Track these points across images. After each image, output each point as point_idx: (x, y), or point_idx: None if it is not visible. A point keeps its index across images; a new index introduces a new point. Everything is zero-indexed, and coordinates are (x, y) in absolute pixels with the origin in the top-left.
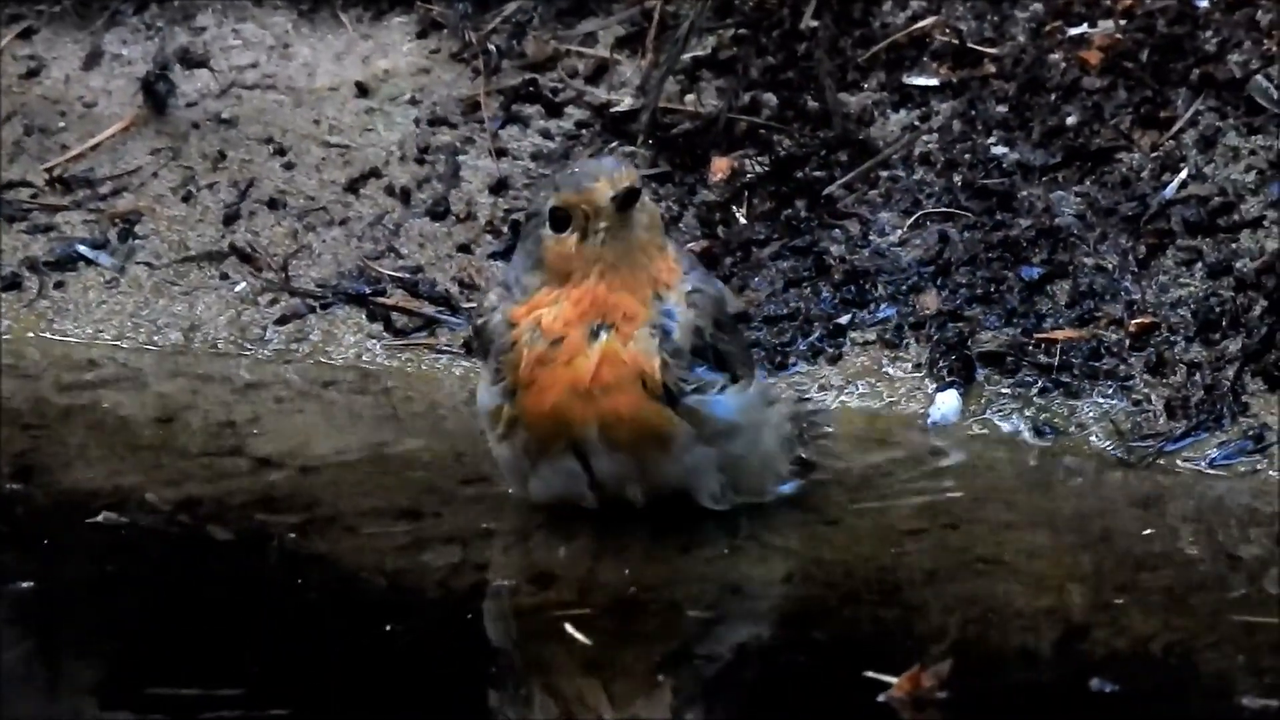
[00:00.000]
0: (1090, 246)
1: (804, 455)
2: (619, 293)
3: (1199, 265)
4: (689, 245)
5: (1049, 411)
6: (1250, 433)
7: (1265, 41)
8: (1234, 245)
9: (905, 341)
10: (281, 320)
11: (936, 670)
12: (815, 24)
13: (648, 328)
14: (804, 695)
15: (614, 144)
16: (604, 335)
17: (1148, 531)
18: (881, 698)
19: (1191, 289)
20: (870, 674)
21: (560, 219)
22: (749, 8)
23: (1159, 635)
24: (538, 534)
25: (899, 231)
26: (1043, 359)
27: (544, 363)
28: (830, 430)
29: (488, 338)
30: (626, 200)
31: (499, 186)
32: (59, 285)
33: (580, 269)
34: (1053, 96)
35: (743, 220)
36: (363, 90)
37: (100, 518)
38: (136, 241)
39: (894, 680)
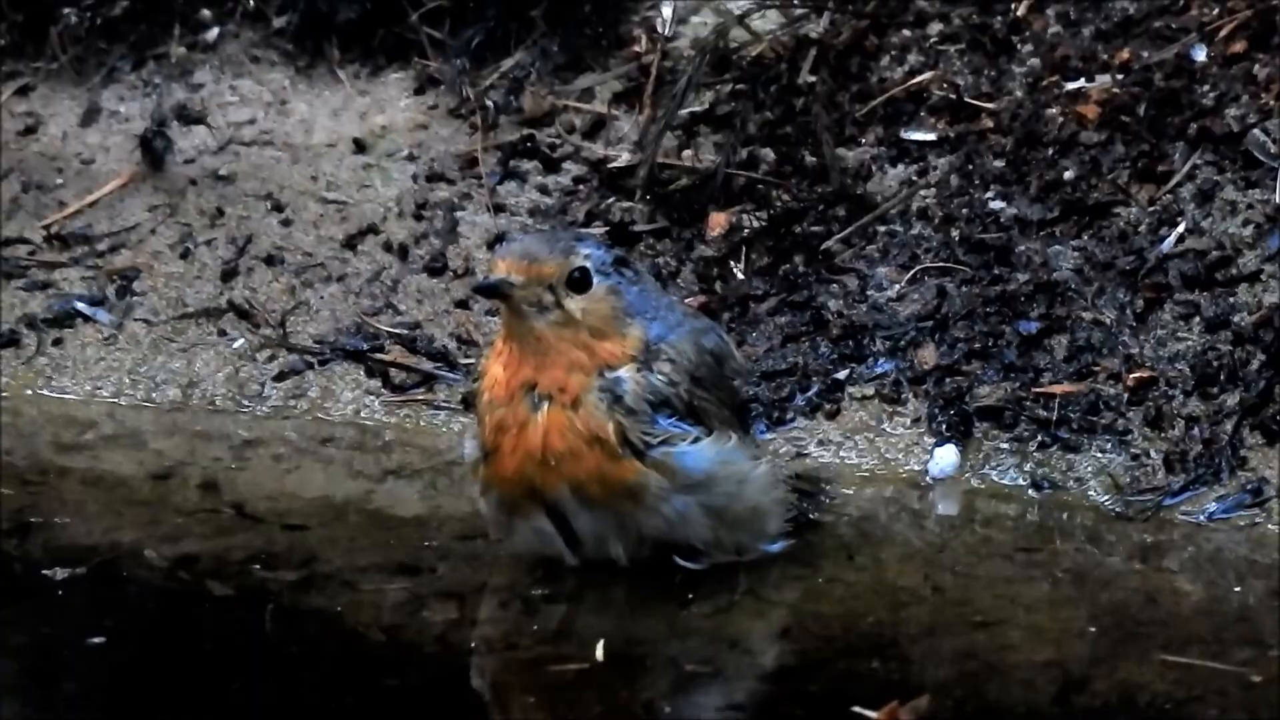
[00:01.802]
0: (1088, 300)
1: (803, 513)
2: (541, 369)
3: (1197, 319)
4: (687, 299)
5: (1047, 465)
6: (1249, 486)
7: (1262, 95)
8: (1231, 299)
9: (903, 396)
10: (279, 377)
11: (914, 705)
12: (813, 79)
13: (594, 394)
14: None
15: (610, 200)
16: (545, 405)
17: (1146, 585)
18: None
19: (1189, 343)
20: (857, 709)
21: None
22: (746, 63)
23: (1157, 688)
24: (534, 588)
25: (897, 286)
26: (1041, 413)
27: (502, 429)
28: (829, 487)
29: (471, 393)
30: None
31: (496, 242)
32: (57, 342)
33: (504, 331)
34: (1050, 151)
35: (740, 275)
36: (360, 146)
37: (53, 573)
38: (134, 298)
39: (875, 715)
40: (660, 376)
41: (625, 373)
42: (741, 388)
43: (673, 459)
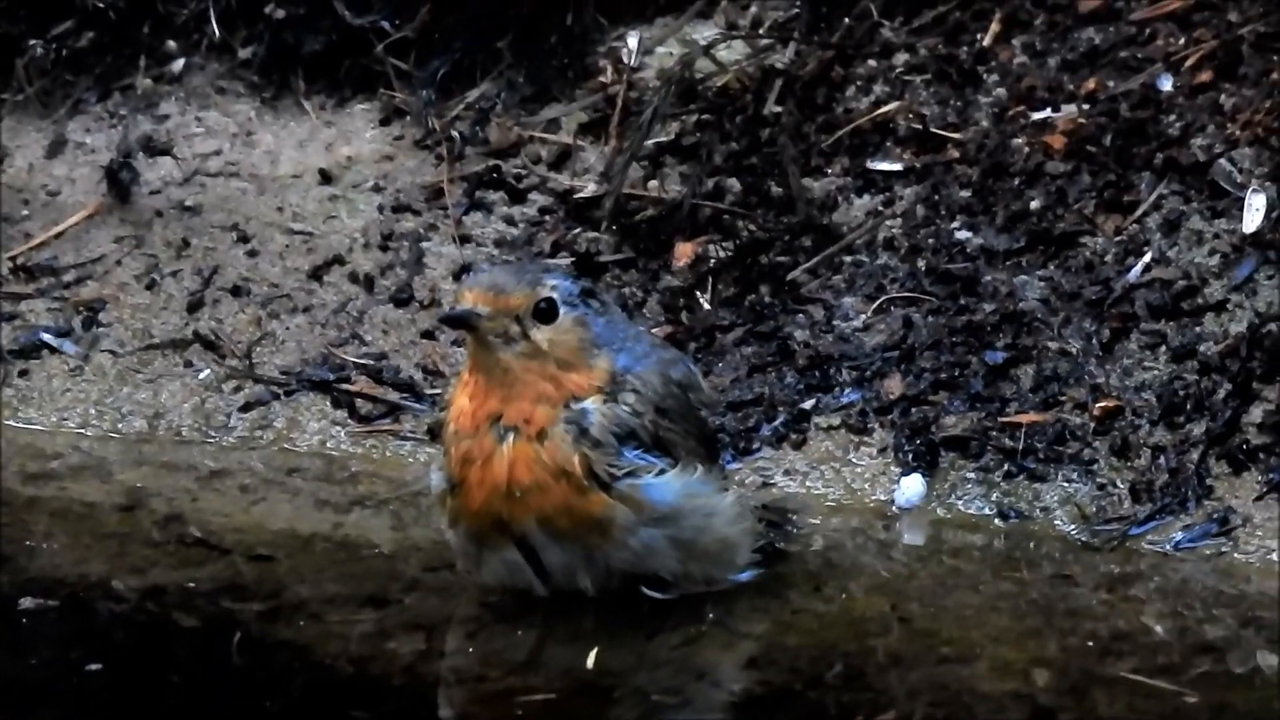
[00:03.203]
0: (1054, 330)
1: (771, 543)
2: (507, 401)
3: (1163, 349)
4: (654, 330)
5: (1013, 495)
6: (1215, 516)
7: (1229, 125)
8: (1198, 329)
9: (870, 426)
10: (246, 407)
11: None
12: (779, 109)
13: (560, 426)
14: None
15: (577, 230)
16: (510, 437)
17: (1113, 615)
18: None
19: (1155, 373)
20: None
21: None
22: (712, 94)
23: (1125, 718)
24: (501, 620)
25: (863, 316)
26: (1007, 443)
27: (469, 461)
28: (796, 518)
29: (438, 423)
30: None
31: (462, 273)
32: (23, 373)
33: (470, 362)
34: (1016, 181)
35: (706, 306)
36: (326, 177)
37: (21, 603)
38: (100, 329)
39: None
40: (626, 408)
41: (591, 404)
42: (709, 418)
43: (639, 492)
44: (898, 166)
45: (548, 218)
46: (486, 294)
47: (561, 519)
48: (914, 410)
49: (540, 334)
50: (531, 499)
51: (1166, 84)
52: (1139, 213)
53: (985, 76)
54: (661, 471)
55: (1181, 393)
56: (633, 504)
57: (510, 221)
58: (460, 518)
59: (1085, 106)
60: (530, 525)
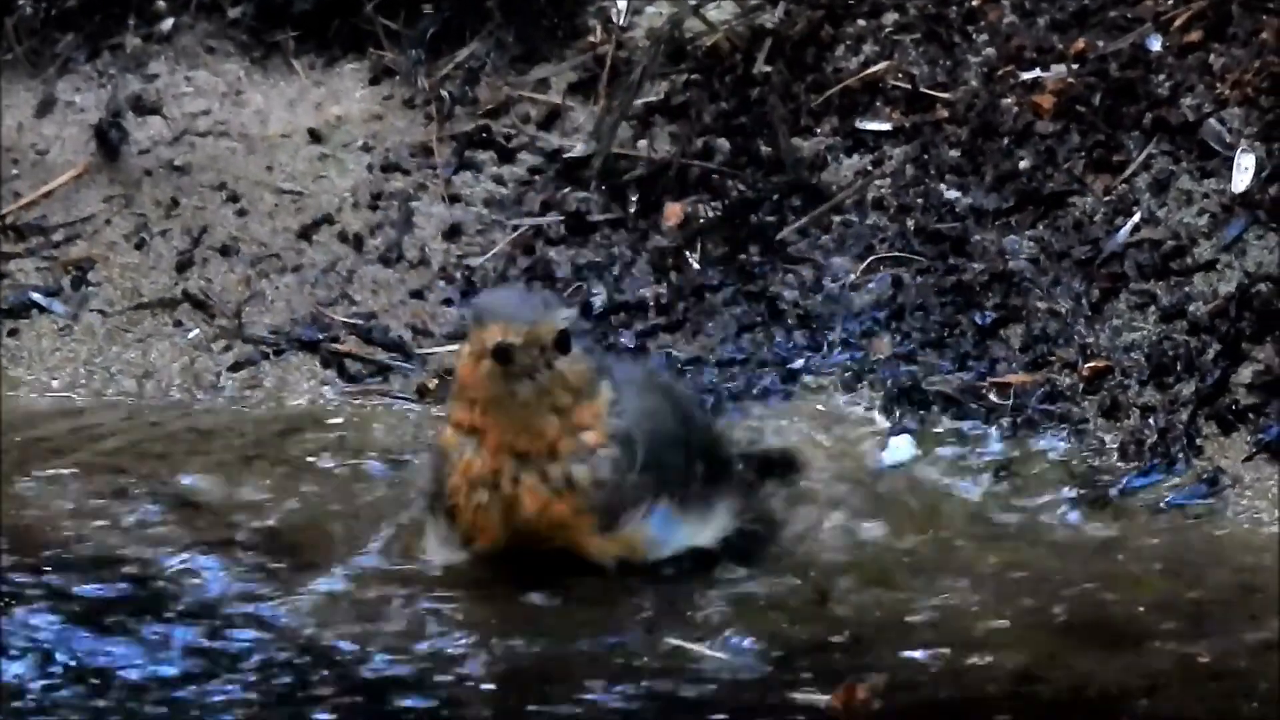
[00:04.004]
0: (1043, 290)
1: (762, 501)
2: (520, 435)
3: (1152, 309)
4: (643, 290)
5: (1003, 455)
6: (1204, 476)
7: (1218, 85)
8: (1187, 289)
9: (859, 386)
10: (235, 367)
11: (872, 685)
12: (768, 69)
13: (573, 465)
14: None
15: (566, 190)
16: (524, 478)
17: (1102, 575)
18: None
19: (1145, 332)
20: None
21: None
22: (701, 53)
23: (1115, 678)
24: (493, 586)
25: (852, 276)
26: (997, 402)
27: (476, 497)
28: (799, 462)
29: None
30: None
31: (452, 233)
32: (12, 333)
33: (476, 397)
34: (1005, 141)
35: (696, 265)
36: (315, 137)
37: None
38: (90, 289)
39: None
40: (623, 446)
41: (592, 438)
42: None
43: (644, 531)
44: (887, 126)
45: (537, 177)
46: (513, 326)
47: (573, 549)
48: (903, 370)
49: (563, 364)
50: (544, 530)
51: (1156, 44)
52: (1128, 173)
53: (974, 36)
54: (654, 508)
55: (1171, 353)
56: (636, 543)
57: (499, 181)
58: (472, 543)
59: (1074, 66)
60: (545, 545)
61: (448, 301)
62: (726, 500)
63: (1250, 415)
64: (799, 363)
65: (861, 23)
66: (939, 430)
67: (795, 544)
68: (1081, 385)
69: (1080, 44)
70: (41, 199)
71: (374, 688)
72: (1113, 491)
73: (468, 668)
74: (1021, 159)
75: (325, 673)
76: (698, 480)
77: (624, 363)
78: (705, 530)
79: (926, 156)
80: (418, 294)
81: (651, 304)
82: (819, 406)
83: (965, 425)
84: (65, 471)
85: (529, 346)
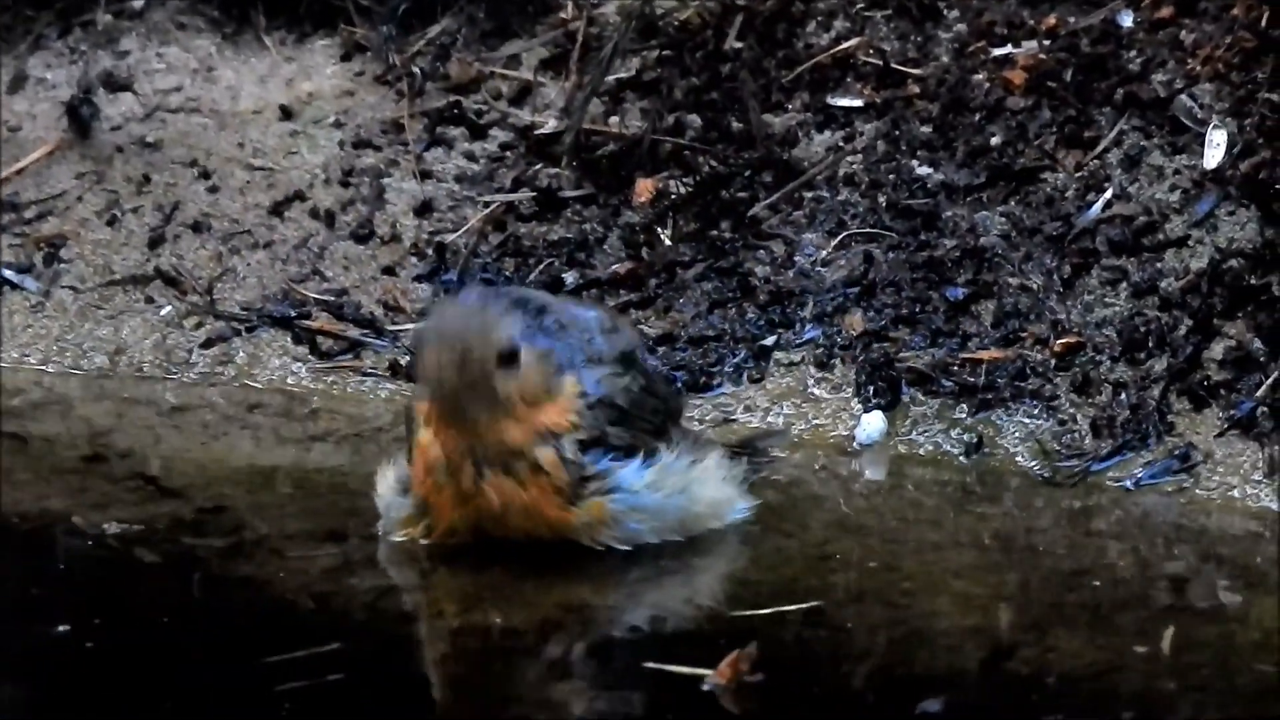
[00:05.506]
0: (1015, 267)
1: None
2: (479, 443)
3: (1124, 285)
4: (614, 266)
5: (975, 431)
6: (1176, 452)
7: (1189, 61)
8: (1159, 265)
9: (831, 362)
10: (207, 344)
11: (746, 654)
12: (739, 45)
13: (536, 449)
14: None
15: (537, 166)
16: (487, 473)
17: (1074, 551)
18: (706, 686)
19: (1116, 309)
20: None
21: None
22: (673, 29)
23: (1086, 654)
24: (462, 557)
25: (824, 252)
26: (968, 379)
27: (440, 490)
28: (780, 454)
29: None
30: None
31: (423, 209)
32: None
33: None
34: (977, 117)
35: (667, 241)
36: (286, 113)
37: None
38: (61, 265)
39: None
40: (594, 423)
41: (560, 424)
42: (666, 389)
43: (612, 500)
44: (858, 102)
45: (508, 153)
46: (451, 354)
47: (543, 531)
48: (875, 346)
49: (508, 384)
50: (513, 520)
51: (1127, 20)
52: (1100, 149)
53: (945, 12)
54: (633, 463)
55: (1142, 329)
56: (609, 511)
57: (471, 157)
58: (436, 534)
59: (1046, 42)
60: (513, 534)
61: (419, 278)
62: (701, 470)
63: (1222, 391)
64: (771, 339)
65: None
66: (911, 406)
67: (767, 520)
68: (1053, 361)
69: (1051, 20)
70: (13, 176)
71: (339, 655)
72: (1085, 468)
73: (427, 632)
74: (993, 135)
75: (289, 638)
76: (669, 446)
77: (603, 325)
78: (678, 499)
79: (898, 132)
80: (389, 270)
81: (623, 279)
82: (790, 383)
83: (937, 401)
84: (34, 445)
85: (466, 375)
